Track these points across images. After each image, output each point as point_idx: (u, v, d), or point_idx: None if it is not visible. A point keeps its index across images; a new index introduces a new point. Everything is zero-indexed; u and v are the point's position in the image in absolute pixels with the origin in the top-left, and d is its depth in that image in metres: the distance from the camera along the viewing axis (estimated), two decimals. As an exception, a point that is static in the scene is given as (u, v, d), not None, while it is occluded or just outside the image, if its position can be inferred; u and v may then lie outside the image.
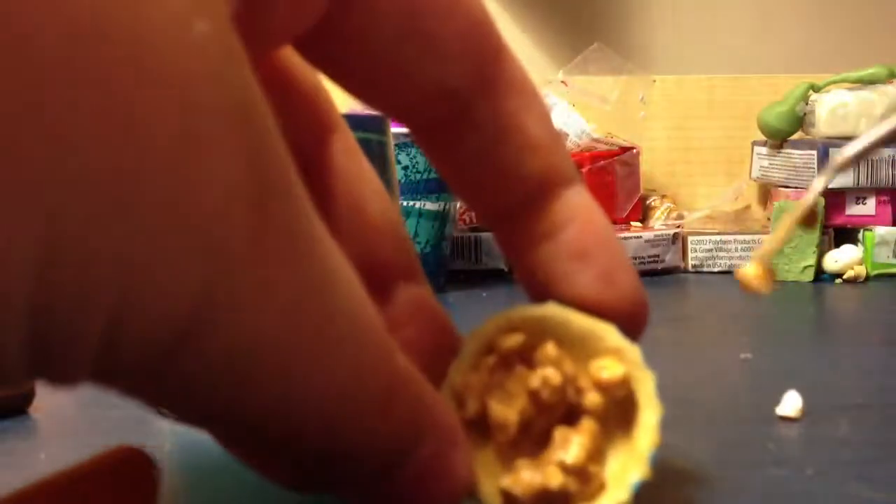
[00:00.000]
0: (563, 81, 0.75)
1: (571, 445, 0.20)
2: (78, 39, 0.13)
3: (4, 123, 0.12)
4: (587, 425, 0.21)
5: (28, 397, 0.34)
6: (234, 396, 0.16)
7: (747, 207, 0.77)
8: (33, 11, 0.12)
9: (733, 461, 0.27)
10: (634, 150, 0.74)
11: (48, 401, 0.35)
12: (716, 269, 0.69)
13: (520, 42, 0.85)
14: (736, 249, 0.69)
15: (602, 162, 0.72)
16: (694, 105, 0.83)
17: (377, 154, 0.50)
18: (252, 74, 0.15)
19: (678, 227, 0.71)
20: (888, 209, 0.68)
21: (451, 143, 0.20)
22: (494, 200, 0.21)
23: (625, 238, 0.66)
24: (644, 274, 0.67)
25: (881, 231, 0.66)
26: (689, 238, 0.69)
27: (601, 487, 0.20)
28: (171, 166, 0.13)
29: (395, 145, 0.57)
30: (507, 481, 0.20)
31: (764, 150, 0.74)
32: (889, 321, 0.53)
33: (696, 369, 0.39)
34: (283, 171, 0.15)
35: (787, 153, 0.72)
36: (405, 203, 0.60)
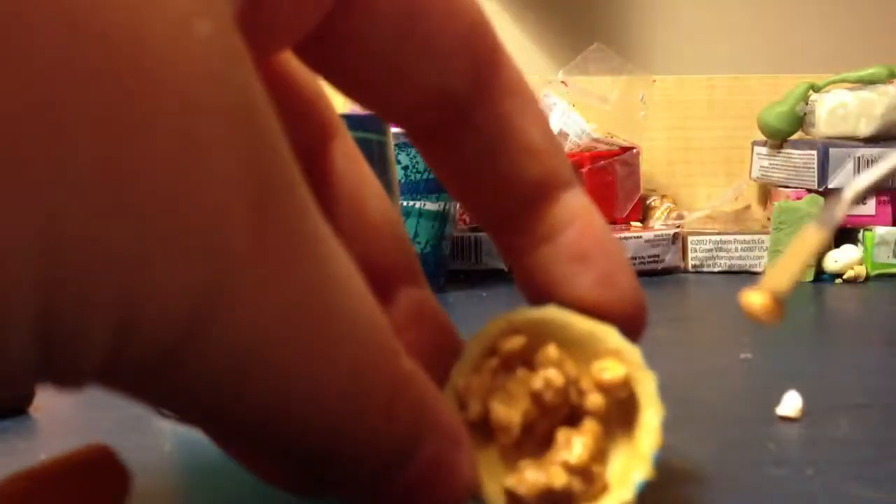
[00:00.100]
0: (563, 81, 0.75)
1: (574, 445, 0.20)
2: (78, 39, 0.13)
3: (4, 123, 0.12)
4: (589, 426, 0.21)
5: (28, 397, 0.34)
6: (235, 396, 0.16)
7: (747, 207, 0.77)
8: (34, 12, 0.12)
9: (733, 461, 0.27)
10: (634, 150, 0.74)
11: (48, 401, 0.35)
12: (716, 269, 0.69)
13: (520, 42, 0.85)
14: (736, 249, 0.69)
15: (602, 162, 0.72)
16: (694, 105, 0.83)
17: (377, 154, 0.50)
18: (255, 74, 0.15)
19: (678, 227, 0.71)
20: (888, 209, 0.68)
21: (450, 146, 0.20)
22: (494, 203, 0.21)
23: (625, 238, 0.66)
24: (644, 274, 0.67)
25: (881, 231, 0.66)
26: (689, 238, 0.69)
27: (604, 488, 0.20)
28: (171, 167, 0.13)
29: (395, 145, 0.57)
30: (511, 481, 0.20)
31: (764, 150, 0.74)
32: (889, 321, 0.53)
33: (696, 369, 0.39)
34: (286, 170, 0.15)
35: (787, 153, 0.72)
36: (405, 203, 0.60)
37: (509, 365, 0.21)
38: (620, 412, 0.21)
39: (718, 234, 0.70)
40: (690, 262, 0.69)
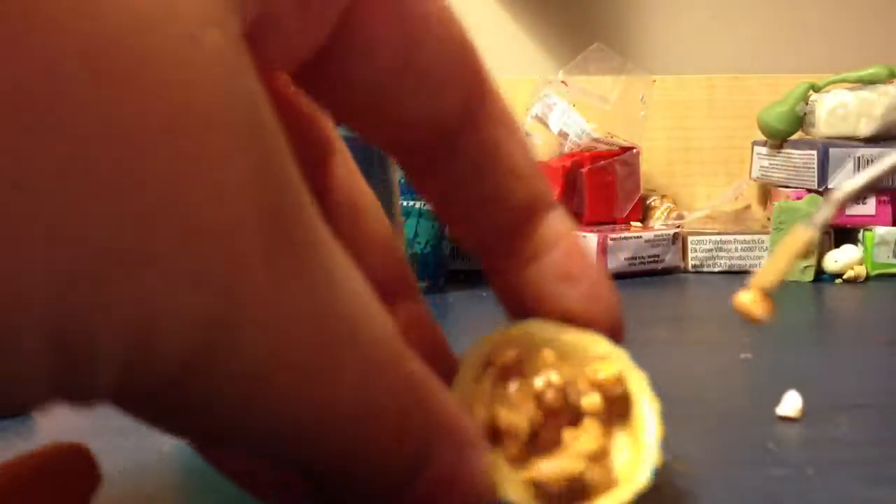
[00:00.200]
0: (563, 81, 0.75)
1: (582, 438, 0.21)
2: (88, 54, 0.12)
3: (15, 154, 0.12)
4: (591, 424, 0.21)
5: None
6: (246, 417, 0.16)
7: (747, 207, 0.77)
8: (43, 21, 0.12)
9: (733, 461, 0.27)
10: (634, 150, 0.74)
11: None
12: (716, 269, 0.69)
13: (520, 42, 0.85)
14: (736, 249, 0.69)
15: (602, 162, 0.72)
16: (694, 105, 0.83)
17: (377, 156, 0.50)
18: (262, 89, 0.15)
19: (678, 227, 0.71)
20: (888, 209, 0.68)
21: (439, 171, 0.21)
22: (483, 226, 0.21)
23: (625, 238, 0.66)
24: (644, 274, 0.67)
25: (881, 231, 0.66)
26: (689, 238, 0.69)
27: (615, 480, 0.21)
28: (182, 186, 0.13)
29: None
30: (534, 472, 0.20)
31: (764, 150, 0.74)
32: (889, 321, 0.53)
33: (696, 369, 0.39)
34: (294, 186, 0.15)
35: (787, 153, 0.72)
36: (405, 203, 0.60)
37: (505, 377, 0.21)
38: (616, 409, 0.21)
39: (718, 234, 0.70)
40: (690, 262, 0.69)
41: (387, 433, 0.17)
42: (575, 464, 0.20)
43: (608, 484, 0.21)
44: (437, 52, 0.20)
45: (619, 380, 0.21)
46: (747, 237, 0.69)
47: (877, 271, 0.66)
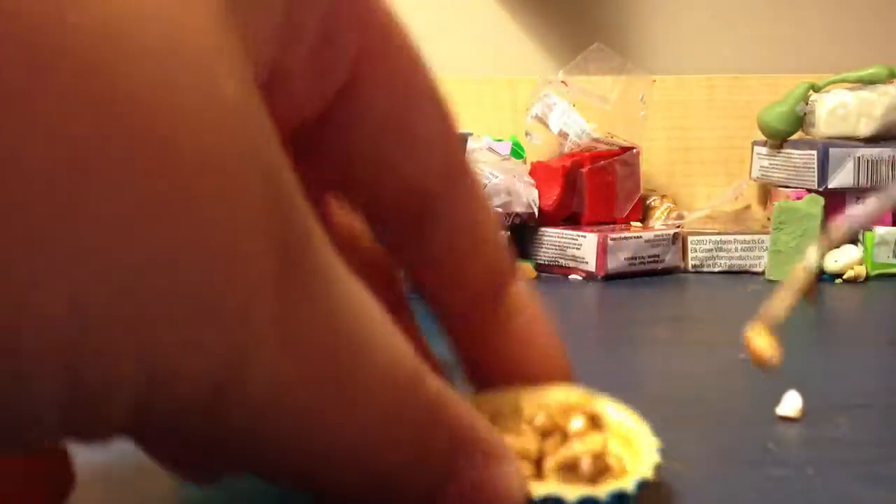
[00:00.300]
0: (563, 81, 0.75)
1: (587, 438, 0.21)
2: (105, 101, 0.13)
3: (33, 197, 0.12)
4: (589, 433, 0.21)
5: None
6: (263, 449, 0.16)
7: (747, 207, 0.77)
8: (57, 77, 0.12)
9: (733, 461, 0.27)
10: (634, 150, 0.74)
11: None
12: (716, 269, 0.69)
13: (520, 42, 0.85)
14: (736, 249, 0.69)
15: (602, 162, 0.72)
16: (694, 105, 0.83)
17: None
18: (272, 129, 0.15)
19: (678, 227, 0.71)
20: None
21: (416, 239, 0.21)
22: (455, 294, 0.22)
23: (625, 238, 0.66)
24: (644, 274, 0.67)
25: (881, 231, 0.66)
26: (689, 238, 0.69)
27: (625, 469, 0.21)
28: (198, 226, 0.14)
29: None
30: (562, 453, 0.20)
31: (764, 150, 0.74)
32: (889, 321, 0.53)
33: (696, 369, 0.39)
34: (304, 219, 0.16)
35: (787, 153, 0.72)
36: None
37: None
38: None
39: (718, 234, 0.70)
40: (690, 262, 0.69)
41: (409, 453, 0.18)
42: (597, 442, 0.21)
43: (621, 471, 0.21)
44: (426, 117, 0.21)
45: (596, 413, 0.22)
46: (747, 237, 0.69)
47: (877, 271, 0.66)
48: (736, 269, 0.69)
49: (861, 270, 0.65)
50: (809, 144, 0.69)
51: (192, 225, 0.13)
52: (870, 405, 0.33)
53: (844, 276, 0.65)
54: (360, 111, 0.20)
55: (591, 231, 0.67)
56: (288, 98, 0.18)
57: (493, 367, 0.23)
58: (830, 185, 0.68)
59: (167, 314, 0.13)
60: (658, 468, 0.21)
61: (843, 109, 0.70)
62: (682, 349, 0.44)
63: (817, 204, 0.66)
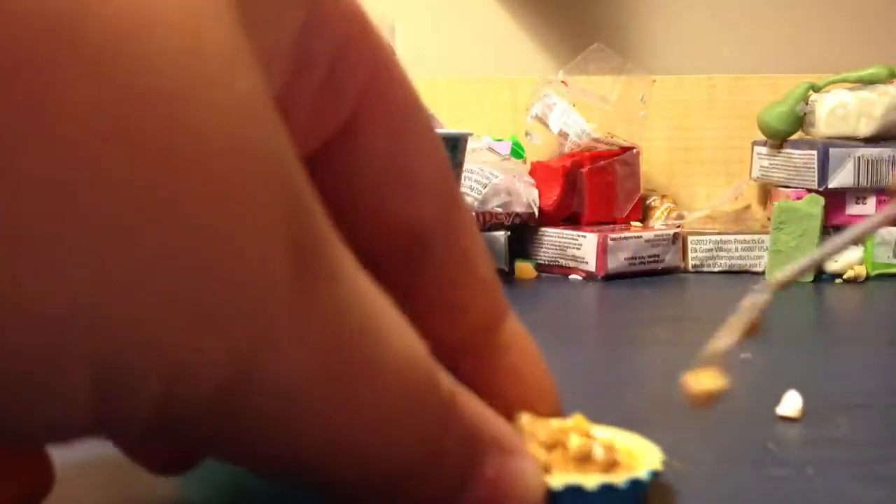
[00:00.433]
0: (563, 81, 0.75)
1: (595, 442, 0.21)
2: (122, 97, 0.13)
3: (57, 196, 0.12)
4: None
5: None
6: (279, 446, 0.16)
7: (747, 207, 0.77)
8: (72, 71, 0.12)
9: (733, 461, 0.27)
10: (634, 150, 0.74)
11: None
12: (716, 269, 0.69)
13: (520, 42, 0.85)
14: (736, 249, 0.69)
15: (602, 162, 0.72)
16: (694, 105, 0.83)
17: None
18: (283, 127, 0.15)
19: (678, 227, 0.71)
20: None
21: (411, 278, 0.22)
22: (447, 330, 0.22)
23: (625, 238, 0.66)
24: (644, 274, 0.67)
25: (881, 231, 0.66)
26: (689, 238, 0.69)
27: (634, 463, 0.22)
28: (214, 223, 0.14)
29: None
30: (576, 445, 0.21)
31: (764, 150, 0.74)
32: (889, 321, 0.53)
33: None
34: (317, 217, 0.16)
35: (787, 153, 0.72)
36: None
37: None
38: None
39: (718, 234, 0.70)
40: (690, 262, 0.69)
41: (424, 452, 0.18)
42: (606, 438, 0.21)
43: (630, 466, 0.21)
44: (424, 158, 0.21)
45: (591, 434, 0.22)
46: (747, 237, 0.69)
47: (877, 271, 0.66)
48: (736, 269, 0.69)
49: (861, 270, 0.65)
50: (809, 144, 0.69)
51: (203, 226, 0.14)
52: (870, 405, 0.33)
53: (844, 276, 0.65)
54: (360, 154, 0.20)
55: (591, 231, 0.67)
56: (290, 131, 0.19)
57: (484, 401, 0.23)
58: (830, 185, 0.68)
59: (188, 304, 0.14)
60: (665, 463, 0.21)
61: (843, 109, 0.70)
62: (682, 349, 0.44)
63: (817, 204, 0.66)
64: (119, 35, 0.13)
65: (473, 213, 0.23)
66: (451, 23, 0.84)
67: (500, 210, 0.66)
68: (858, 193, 0.68)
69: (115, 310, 0.13)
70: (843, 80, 0.72)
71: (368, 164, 0.20)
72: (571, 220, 0.71)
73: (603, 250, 0.65)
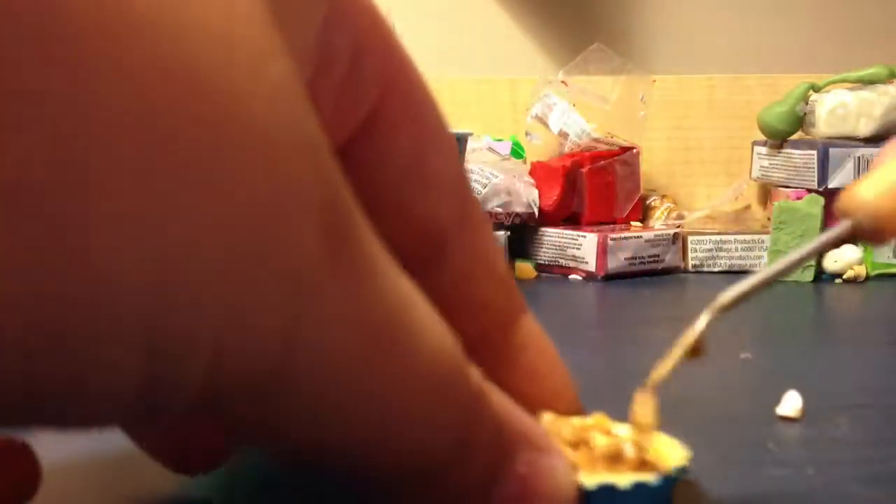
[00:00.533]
0: (563, 81, 0.75)
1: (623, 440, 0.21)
2: (169, 81, 0.13)
3: (115, 177, 0.13)
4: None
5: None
6: (318, 430, 0.16)
7: (747, 207, 0.77)
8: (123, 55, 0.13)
9: (733, 461, 0.27)
10: (634, 150, 0.74)
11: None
12: (716, 269, 0.69)
13: (520, 42, 0.85)
14: (736, 249, 0.69)
15: (602, 162, 0.72)
16: (694, 105, 0.83)
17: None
18: (314, 111, 0.15)
19: (678, 227, 0.71)
20: (888, 209, 0.68)
21: (429, 275, 0.22)
22: (466, 328, 0.22)
23: (625, 238, 0.66)
24: (644, 274, 0.67)
25: (881, 231, 0.66)
26: (689, 238, 0.69)
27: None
28: (258, 202, 0.14)
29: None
30: (604, 444, 0.21)
31: (764, 150, 0.74)
32: (889, 321, 0.53)
33: (696, 369, 0.39)
34: (348, 200, 0.16)
35: (788, 153, 0.72)
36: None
37: None
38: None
39: (718, 234, 0.70)
40: (690, 262, 0.69)
41: (454, 443, 0.18)
42: (632, 435, 0.21)
43: (656, 463, 0.21)
44: (441, 157, 0.21)
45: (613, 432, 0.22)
46: (747, 237, 0.69)
47: (877, 271, 0.66)
48: (736, 269, 0.69)
49: (861, 270, 0.65)
50: (809, 144, 0.69)
51: (245, 192, 0.14)
52: (870, 405, 0.33)
53: (844, 276, 0.65)
54: (382, 152, 0.20)
55: (591, 231, 0.67)
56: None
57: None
58: (830, 185, 0.68)
59: (235, 274, 0.14)
60: (690, 460, 0.21)
61: (843, 109, 0.70)
62: (682, 349, 0.44)
63: (817, 204, 0.66)
64: (162, 8, 0.13)
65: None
66: (451, 23, 0.84)
67: (499, 210, 0.66)
68: (858, 193, 0.68)
69: (169, 276, 0.13)
70: (843, 80, 0.72)
71: (390, 161, 0.21)
72: (571, 220, 0.71)
73: (603, 250, 0.65)
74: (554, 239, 0.69)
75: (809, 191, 0.68)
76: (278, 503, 0.24)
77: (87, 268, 0.13)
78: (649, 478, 0.20)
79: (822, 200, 0.66)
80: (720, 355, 0.42)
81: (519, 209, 0.67)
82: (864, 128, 0.69)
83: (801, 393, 0.32)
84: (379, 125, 0.20)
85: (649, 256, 0.67)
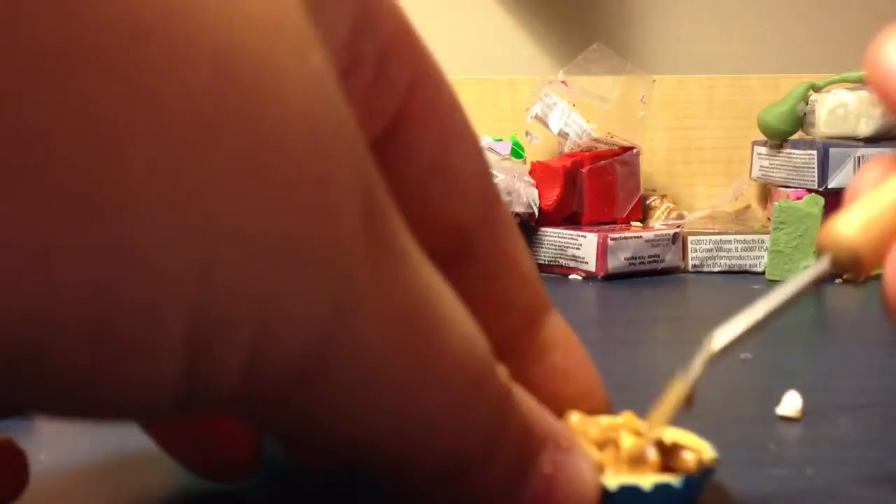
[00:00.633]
0: (563, 81, 0.75)
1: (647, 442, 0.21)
2: (219, 71, 0.13)
3: (165, 176, 0.13)
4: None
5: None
6: (353, 424, 0.16)
7: (747, 207, 0.77)
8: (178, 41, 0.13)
9: (733, 461, 0.27)
10: (634, 150, 0.74)
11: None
12: (716, 269, 0.69)
13: (520, 42, 0.85)
14: (736, 249, 0.69)
15: (602, 162, 0.72)
16: (694, 105, 0.83)
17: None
18: (348, 103, 0.16)
19: (678, 227, 0.71)
20: (888, 209, 0.68)
21: (455, 274, 0.22)
22: (493, 328, 0.22)
23: (625, 238, 0.66)
24: (644, 274, 0.67)
25: (881, 231, 0.66)
26: (689, 238, 0.69)
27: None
28: (303, 193, 0.14)
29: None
30: (628, 445, 0.21)
31: (764, 150, 0.74)
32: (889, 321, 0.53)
33: (696, 369, 0.39)
34: (383, 191, 0.16)
35: (788, 153, 0.72)
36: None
37: None
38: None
39: (718, 234, 0.70)
40: (690, 262, 0.69)
41: (482, 441, 0.18)
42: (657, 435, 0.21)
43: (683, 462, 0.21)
44: (466, 157, 0.21)
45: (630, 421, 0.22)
46: (747, 237, 0.69)
47: (877, 271, 0.66)
48: (736, 269, 0.69)
49: (861, 270, 0.65)
50: (809, 144, 0.69)
51: (292, 169, 0.14)
52: (870, 405, 0.33)
53: (844, 276, 0.65)
54: (409, 152, 0.21)
55: (591, 231, 0.67)
56: None
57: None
58: (830, 185, 0.68)
59: (277, 264, 0.14)
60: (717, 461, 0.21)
61: (843, 109, 0.70)
62: (682, 349, 0.44)
63: (817, 204, 0.66)
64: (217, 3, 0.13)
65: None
66: (451, 23, 0.84)
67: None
68: (858, 193, 0.68)
69: (213, 261, 0.13)
70: (843, 80, 0.72)
71: (416, 161, 0.21)
72: (571, 220, 0.71)
73: (603, 250, 0.65)
74: (554, 239, 0.69)
75: (809, 191, 0.68)
76: (283, 498, 0.24)
77: (139, 260, 0.13)
78: (672, 479, 0.20)
79: (822, 200, 0.66)
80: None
81: (519, 209, 0.67)
82: (865, 128, 0.69)
83: (801, 393, 0.32)
84: (404, 126, 0.20)
85: (649, 256, 0.67)
